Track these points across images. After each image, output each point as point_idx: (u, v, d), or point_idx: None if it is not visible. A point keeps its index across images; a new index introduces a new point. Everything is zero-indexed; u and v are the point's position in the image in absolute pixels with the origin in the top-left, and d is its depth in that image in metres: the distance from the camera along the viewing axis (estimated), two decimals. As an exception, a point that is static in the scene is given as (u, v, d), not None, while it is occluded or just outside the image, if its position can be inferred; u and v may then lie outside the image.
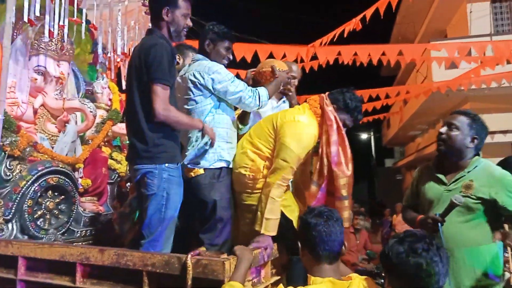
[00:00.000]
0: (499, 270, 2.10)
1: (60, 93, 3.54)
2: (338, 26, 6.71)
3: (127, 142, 2.64)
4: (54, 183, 2.99)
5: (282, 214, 2.24)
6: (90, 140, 3.69)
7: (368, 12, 6.36)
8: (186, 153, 2.28)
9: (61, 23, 3.31)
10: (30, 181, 2.83)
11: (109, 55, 4.25)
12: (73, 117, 3.67)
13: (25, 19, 3.02)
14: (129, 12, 4.53)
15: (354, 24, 6.46)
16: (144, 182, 2.10)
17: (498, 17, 11.80)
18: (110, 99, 4.04)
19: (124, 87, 3.92)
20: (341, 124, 2.32)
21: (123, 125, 3.37)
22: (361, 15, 6.43)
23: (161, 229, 2.09)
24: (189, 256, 1.73)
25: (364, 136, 25.91)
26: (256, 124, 2.49)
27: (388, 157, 26.61)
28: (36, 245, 2.22)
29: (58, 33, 3.35)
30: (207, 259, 1.73)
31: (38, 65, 3.36)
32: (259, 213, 2.18)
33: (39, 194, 2.91)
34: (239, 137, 2.51)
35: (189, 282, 1.68)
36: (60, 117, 3.40)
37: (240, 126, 2.61)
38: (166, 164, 2.10)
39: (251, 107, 2.41)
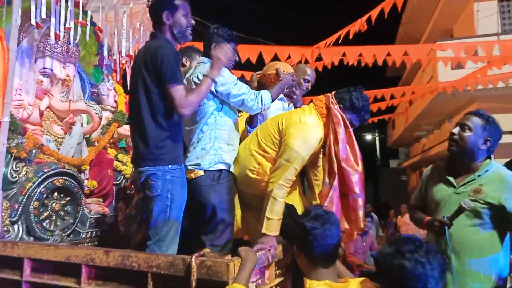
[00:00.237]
0: (505, 274, 2.08)
1: (66, 95, 3.56)
2: (343, 27, 6.69)
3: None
4: (60, 185, 3.01)
5: (287, 214, 2.22)
6: (96, 142, 3.71)
7: (374, 13, 6.33)
8: (188, 154, 2.29)
9: (67, 25, 3.32)
10: (36, 183, 2.85)
11: (114, 57, 4.25)
12: (79, 119, 3.69)
13: (33, 22, 3.03)
14: (134, 14, 4.55)
15: (359, 25, 6.43)
16: (148, 184, 2.11)
17: (506, 16, 11.61)
18: (115, 101, 4.06)
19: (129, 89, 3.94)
20: (348, 123, 2.28)
21: (129, 127, 3.38)
22: (366, 16, 6.40)
23: (166, 230, 2.09)
24: (194, 257, 1.72)
25: (369, 137, 25.84)
26: (262, 125, 2.47)
27: (393, 158, 26.44)
28: (41, 247, 2.22)
29: (64, 36, 3.36)
30: (211, 260, 1.72)
31: (44, 67, 3.38)
32: (262, 213, 2.17)
33: (45, 196, 2.93)
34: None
35: (193, 284, 1.68)
36: (66, 119, 3.41)
37: (249, 128, 2.61)
38: (169, 166, 2.10)
39: (253, 110, 2.40)
